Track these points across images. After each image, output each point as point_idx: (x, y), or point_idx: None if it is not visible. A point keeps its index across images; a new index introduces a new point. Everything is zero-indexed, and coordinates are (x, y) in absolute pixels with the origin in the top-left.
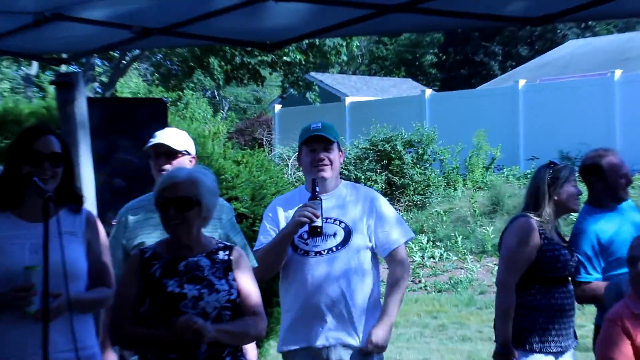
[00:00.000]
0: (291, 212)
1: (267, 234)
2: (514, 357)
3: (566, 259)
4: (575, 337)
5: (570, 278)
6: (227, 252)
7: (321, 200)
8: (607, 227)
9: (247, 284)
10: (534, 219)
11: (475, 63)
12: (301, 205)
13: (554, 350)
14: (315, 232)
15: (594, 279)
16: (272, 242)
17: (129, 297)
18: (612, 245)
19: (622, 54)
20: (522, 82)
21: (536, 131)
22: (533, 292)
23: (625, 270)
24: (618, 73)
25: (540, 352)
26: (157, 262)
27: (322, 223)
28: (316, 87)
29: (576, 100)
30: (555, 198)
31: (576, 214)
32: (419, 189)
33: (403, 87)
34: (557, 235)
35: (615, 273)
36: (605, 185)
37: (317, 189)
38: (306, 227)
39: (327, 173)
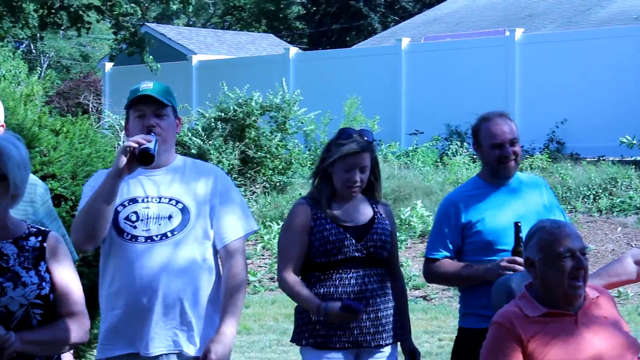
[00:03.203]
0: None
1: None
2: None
3: (340, 238)
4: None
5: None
6: (39, 239)
7: (156, 135)
8: (474, 203)
9: (65, 278)
10: (308, 199)
11: (352, 16)
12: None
13: (325, 346)
14: (147, 158)
15: (442, 256)
16: (95, 192)
17: None
18: (474, 227)
19: (524, 10)
20: (405, 41)
21: (421, 100)
22: (313, 281)
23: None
24: (519, 32)
25: (311, 346)
26: None
27: (155, 151)
28: (153, 43)
29: (469, 63)
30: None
31: None
32: (280, 167)
33: (263, 44)
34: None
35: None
36: (480, 154)
37: (154, 134)
38: (133, 210)
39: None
